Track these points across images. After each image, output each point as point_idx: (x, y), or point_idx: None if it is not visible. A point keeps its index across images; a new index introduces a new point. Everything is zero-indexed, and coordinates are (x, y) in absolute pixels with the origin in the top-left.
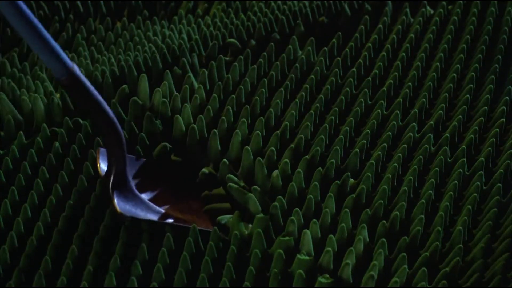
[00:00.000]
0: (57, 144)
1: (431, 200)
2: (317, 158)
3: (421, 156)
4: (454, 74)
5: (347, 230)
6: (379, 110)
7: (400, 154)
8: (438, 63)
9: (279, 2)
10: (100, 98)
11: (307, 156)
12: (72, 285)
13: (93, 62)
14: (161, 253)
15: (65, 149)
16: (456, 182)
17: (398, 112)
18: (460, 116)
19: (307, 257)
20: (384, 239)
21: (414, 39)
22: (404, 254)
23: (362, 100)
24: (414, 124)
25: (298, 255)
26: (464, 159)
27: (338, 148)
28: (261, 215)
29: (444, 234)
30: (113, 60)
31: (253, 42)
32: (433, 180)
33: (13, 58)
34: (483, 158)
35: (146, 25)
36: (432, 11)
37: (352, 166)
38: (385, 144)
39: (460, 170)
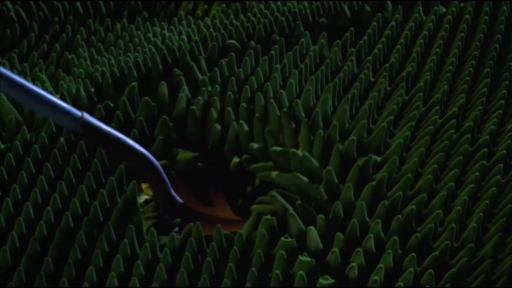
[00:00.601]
0: (62, 139)
1: (451, 191)
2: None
3: (446, 141)
4: (470, 69)
5: (359, 225)
6: (399, 98)
7: (427, 137)
8: (453, 59)
9: (279, 3)
10: (119, 134)
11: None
12: (74, 285)
13: (93, 63)
14: (163, 254)
15: (71, 146)
16: (477, 173)
17: (420, 94)
18: (480, 107)
19: (308, 259)
20: (396, 238)
21: (428, 36)
22: (414, 254)
23: (381, 86)
24: (437, 108)
25: (299, 257)
26: (486, 149)
27: (365, 121)
28: (269, 216)
29: (459, 227)
30: (113, 61)
31: (253, 43)
32: (457, 170)
33: (13, 59)
34: (504, 151)
35: (146, 26)
36: (444, 9)
37: (377, 142)
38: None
39: (483, 161)
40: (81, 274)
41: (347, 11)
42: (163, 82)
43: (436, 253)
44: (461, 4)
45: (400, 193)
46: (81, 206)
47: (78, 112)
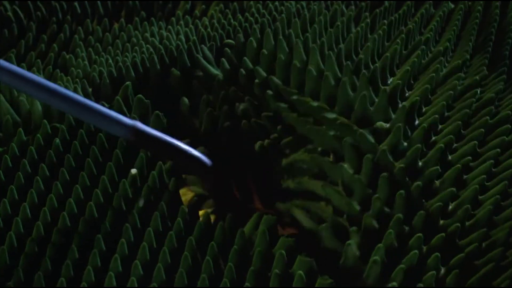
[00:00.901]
0: (57, 140)
1: (483, 183)
2: None
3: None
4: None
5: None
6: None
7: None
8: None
9: (277, 3)
10: (171, 140)
11: None
12: (72, 285)
13: (91, 63)
14: (162, 253)
15: (66, 146)
16: None
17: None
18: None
19: (307, 258)
20: (420, 235)
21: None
22: (438, 254)
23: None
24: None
25: (299, 256)
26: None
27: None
28: (269, 215)
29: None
30: (110, 61)
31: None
32: (492, 161)
33: (11, 59)
34: None
35: (144, 26)
36: (453, 6)
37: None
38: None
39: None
40: (79, 274)
41: (345, 10)
42: (184, 97)
43: (463, 254)
44: (469, 3)
45: (419, 183)
46: (76, 206)
47: (129, 121)
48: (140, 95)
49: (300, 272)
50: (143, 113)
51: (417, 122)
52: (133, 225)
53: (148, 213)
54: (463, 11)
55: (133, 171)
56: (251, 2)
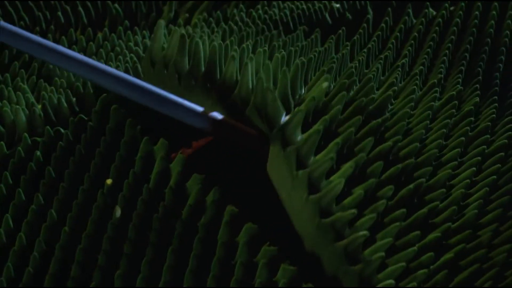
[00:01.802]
0: (38, 153)
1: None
2: None
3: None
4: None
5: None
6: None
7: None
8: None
9: (260, 11)
10: (245, 127)
11: None
12: None
13: (74, 74)
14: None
15: (46, 158)
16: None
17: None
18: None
19: (291, 267)
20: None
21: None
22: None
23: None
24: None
25: (282, 265)
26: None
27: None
28: (250, 224)
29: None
30: None
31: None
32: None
33: None
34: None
35: (128, 35)
36: (434, 13)
37: None
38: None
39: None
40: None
41: (328, 18)
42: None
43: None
44: (451, 8)
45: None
46: (57, 217)
47: (200, 108)
48: (115, 106)
49: (284, 281)
50: (120, 122)
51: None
52: (113, 235)
53: (126, 224)
54: (443, 20)
55: (118, 212)
56: (235, 11)
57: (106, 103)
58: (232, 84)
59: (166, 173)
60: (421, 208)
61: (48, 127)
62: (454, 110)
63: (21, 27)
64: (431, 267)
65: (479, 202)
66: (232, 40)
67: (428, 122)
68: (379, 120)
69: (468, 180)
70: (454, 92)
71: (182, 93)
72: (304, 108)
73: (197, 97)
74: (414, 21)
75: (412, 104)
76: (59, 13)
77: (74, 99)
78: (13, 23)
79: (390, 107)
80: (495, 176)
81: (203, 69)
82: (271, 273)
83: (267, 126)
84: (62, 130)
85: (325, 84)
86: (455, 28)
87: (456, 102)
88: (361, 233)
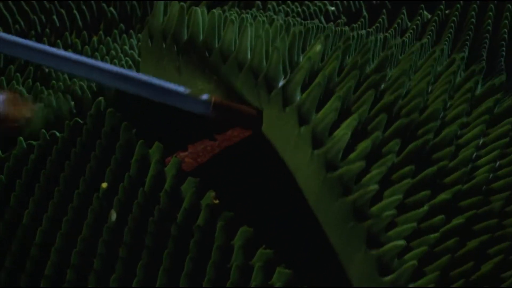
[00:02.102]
0: (33, 156)
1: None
2: None
3: None
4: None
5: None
6: None
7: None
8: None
9: (255, 13)
10: (244, 106)
11: None
12: None
13: (71, 77)
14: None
15: (42, 161)
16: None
17: None
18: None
19: (287, 270)
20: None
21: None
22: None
23: None
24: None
25: (278, 268)
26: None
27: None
28: (245, 227)
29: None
30: None
31: None
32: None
33: None
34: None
35: (123, 38)
36: (429, 16)
37: None
38: None
39: None
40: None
41: (323, 21)
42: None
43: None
44: (447, 11)
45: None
46: (51, 221)
47: (204, 96)
48: (111, 109)
49: (280, 284)
50: (115, 125)
51: None
52: (108, 239)
53: (121, 227)
54: (437, 23)
55: (113, 216)
56: (227, 14)
57: (102, 107)
58: (230, 48)
59: (161, 177)
60: (430, 167)
61: (43, 130)
62: (458, 70)
63: (16, 30)
64: (441, 229)
65: (491, 166)
66: (232, 12)
67: (431, 78)
68: (377, 76)
69: (477, 141)
70: (456, 56)
71: (181, 65)
72: (304, 67)
73: (196, 65)
74: (409, 23)
75: (412, 65)
76: (54, 17)
77: (72, 103)
78: (8, 27)
79: (389, 72)
80: (507, 139)
81: (201, 37)
82: (266, 276)
83: (264, 88)
84: (57, 134)
85: (319, 47)
86: (451, 30)
87: (460, 63)
88: (371, 187)
